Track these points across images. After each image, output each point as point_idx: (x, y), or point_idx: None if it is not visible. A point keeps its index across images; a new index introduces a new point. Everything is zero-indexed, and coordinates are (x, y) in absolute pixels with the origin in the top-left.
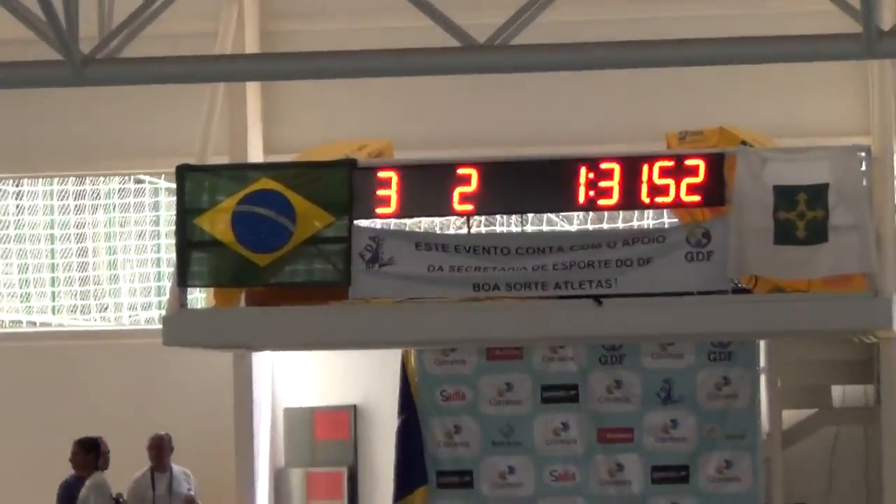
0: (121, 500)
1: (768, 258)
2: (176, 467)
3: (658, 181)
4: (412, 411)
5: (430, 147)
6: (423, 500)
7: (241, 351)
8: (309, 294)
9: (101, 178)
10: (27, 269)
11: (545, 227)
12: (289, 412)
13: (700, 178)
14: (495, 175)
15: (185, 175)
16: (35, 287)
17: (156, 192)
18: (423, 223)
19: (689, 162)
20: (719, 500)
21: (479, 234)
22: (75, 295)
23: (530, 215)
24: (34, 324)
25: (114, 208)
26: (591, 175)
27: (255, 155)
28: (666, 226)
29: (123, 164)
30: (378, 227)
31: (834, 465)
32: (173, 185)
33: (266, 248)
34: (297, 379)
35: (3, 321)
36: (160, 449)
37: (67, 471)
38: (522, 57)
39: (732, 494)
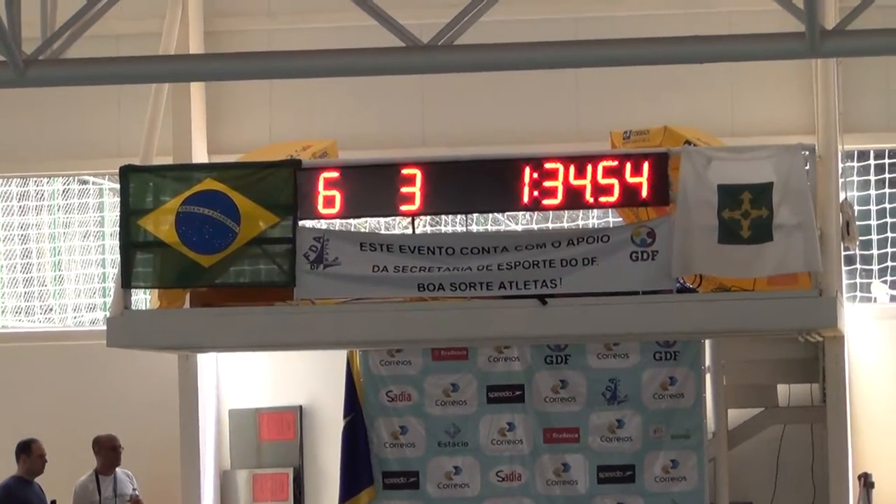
0: None
1: (713, 257)
2: (119, 469)
3: (602, 181)
4: (358, 412)
5: (375, 147)
6: (369, 501)
7: (185, 352)
8: (254, 295)
9: (45, 179)
10: None
11: (490, 228)
12: (234, 413)
13: (644, 178)
14: (440, 175)
15: (129, 176)
16: None
17: (100, 192)
18: (367, 223)
19: (633, 161)
20: (665, 499)
21: (423, 235)
22: (19, 296)
23: (475, 215)
24: None
25: (58, 209)
26: (536, 175)
27: (200, 155)
28: (611, 225)
29: (67, 165)
30: (323, 227)
31: (780, 464)
32: (117, 186)
33: (210, 249)
34: (242, 380)
35: None
36: (117, 448)
37: (11, 471)
38: (466, 57)
39: (678, 494)
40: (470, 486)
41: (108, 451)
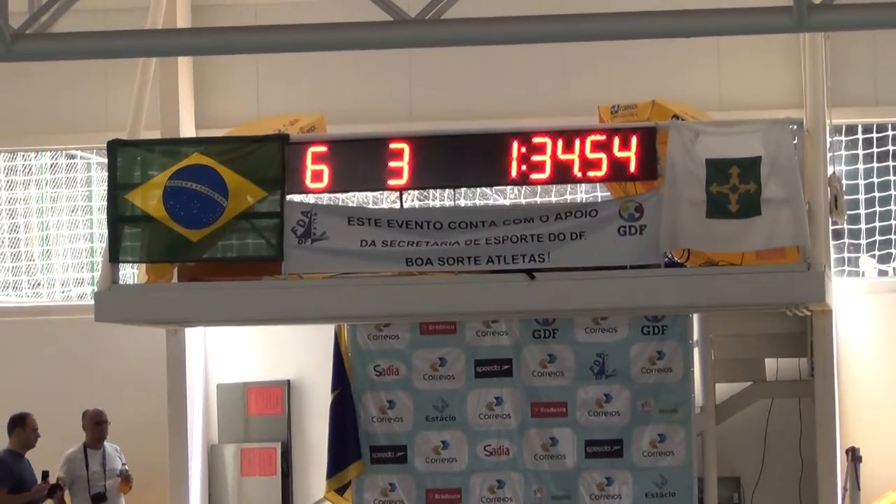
0: (47, 477)
1: (701, 232)
2: (107, 444)
3: (590, 155)
4: (345, 386)
5: (363, 121)
6: (357, 476)
7: (173, 327)
8: (241, 269)
9: (33, 154)
10: None
11: (478, 202)
12: (222, 388)
13: (632, 152)
14: (428, 149)
15: (117, 150)
16: None
17: (88, 167)
18: (355, 198)
19: (621, 136)
20: (653, 473)
21: (411, 209)
22: (7, 271)
23: (463, 190)
24: None
25: (45, 184)
26: (524, 149)
27: (187, 130)
28: (599, 200)
29: (55, 140)
30: (311, 202)
31: (767, 439)
32: (105, 161)
33: (198, 224)
34: (230, 354)
35: None
36: (106, 423)
37: (2, 444)
38: (454, 31)
39: (666, 468)
40: (457, 460)
41: (93, 426)
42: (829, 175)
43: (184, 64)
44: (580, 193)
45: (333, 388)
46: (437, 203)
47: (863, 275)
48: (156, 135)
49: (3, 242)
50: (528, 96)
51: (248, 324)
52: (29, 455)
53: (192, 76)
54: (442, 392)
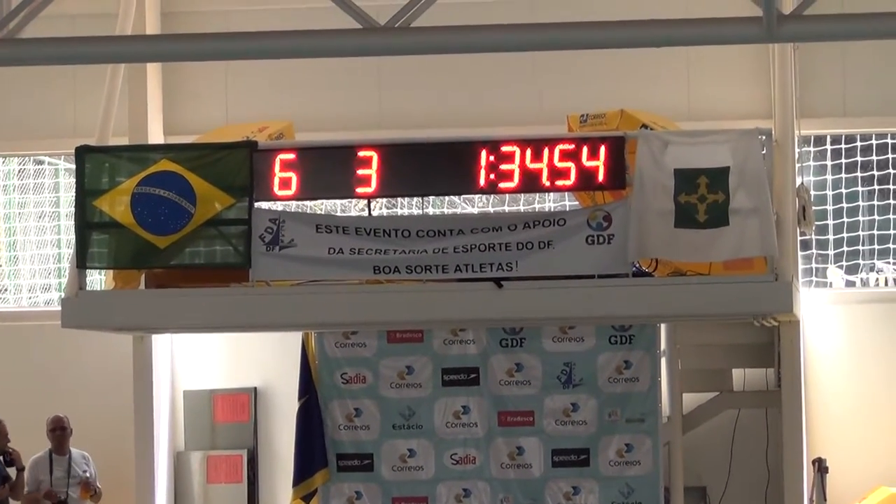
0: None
1: (669, 241)
2: (75, 450)
3: (559, 164)
4: (312, 394)
5: (332, 129)
6: (323, 483)
7: (140, 333)
8: (209, 276)
9: (1, 159)
10: None
11: (447, 210)
12: (188, 395)
13: (601, 162)
14: (396, 157)
15: (85, 156)
16: None
17: (56, 173)
18: (324, 205)
19: (589, 145)
20: (620, 483)
21: (379, 217)
22: None
23: (431, 198)
24: None
25: (13, 189)
26: (492, 158)
27: (156, 136)
28: (567, 209)
29: (23, 145)
30: (279, 209)
31: (734, 449)
32: (73, 167)
33: (166, 230)
34: (197, 361)
35: None
36: (63, 430)
37: None
38: (424, 39)
39: (633, 478)
40: (424, 468)
41: (47, 434)
42: (797, 186)
43: (153, 70)
44: (548, 203)
45: (300, 396)
46: (406, 211)
47: (830, 285)
48: (124, 141)
49: None
50: (498, 105)
51: (216, 331)
52: None
53: (160, 82)
54: (409, 400)
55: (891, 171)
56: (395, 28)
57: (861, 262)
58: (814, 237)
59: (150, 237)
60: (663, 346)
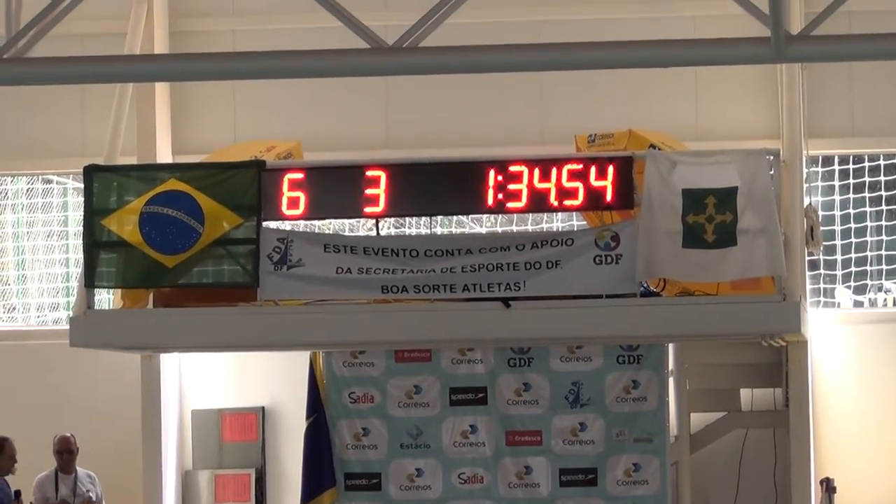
0: (19, 496)
1: (677, 261)
2: (81, 470)
3: (567, 184)
4: (320, 413)
5: (340, 149)
6: (331, 503)
7: (148, 352)
8: (217, 295)
9: (9, 178)
10: None
11: (455, 230)
12: (196, 414)
13: (609, 181)
14: (404, 177)
15: (93, 175)
16: None
17: (64, 192)
18: (332, 225)
19: (597, 165)
20: (627, 503)
21: (387, 237)
22: None
23: (439, 218)
24: None
25: (22, 208)
26: (500, 178)
27: (164, 156)
28: (575, 229)
29: (31, 164)
30: (287, 228)
31: (742, 469)
32: (82, 186)
33: (174, 250)
34: (205, 380)
35: None
36: (70, 452)
37: None
38: (431, 59)
39: (640, 497)
40: (432, 487)
41: (55, 454)
42: (805, 206)
43: (161, 89)
44: (556, 222)
45: (308, 415)
46: (414, 231)
47: (838, 306)
48: (132, 160)
49: None
50: (506, 125)
51: (224, 350)
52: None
53: (169, 102)
54: (416, 420)
55: None
56: (403, 48)
57: (869, 282)
58: (822, 257)
59: (159, 256)
60: (671, 365)
